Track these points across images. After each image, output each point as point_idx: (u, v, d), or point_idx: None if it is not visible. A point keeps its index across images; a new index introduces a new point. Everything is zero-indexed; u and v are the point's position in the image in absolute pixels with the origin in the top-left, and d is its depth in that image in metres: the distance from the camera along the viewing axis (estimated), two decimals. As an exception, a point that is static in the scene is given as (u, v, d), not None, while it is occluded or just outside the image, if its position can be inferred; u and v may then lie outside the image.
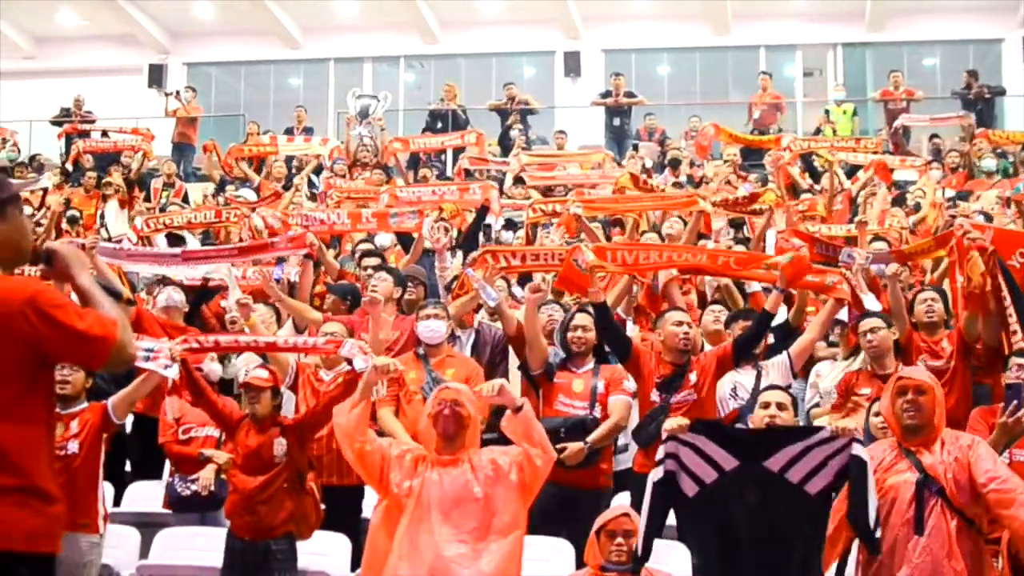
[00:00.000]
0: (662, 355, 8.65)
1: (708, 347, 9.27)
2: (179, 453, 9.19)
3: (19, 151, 23.16)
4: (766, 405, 6.87)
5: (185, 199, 19.05)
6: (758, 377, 8.71)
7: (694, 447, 6.33)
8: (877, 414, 7.26)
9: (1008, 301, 8.35)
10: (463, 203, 13.45)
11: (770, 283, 9.12)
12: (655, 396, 8.45)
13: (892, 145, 19.74)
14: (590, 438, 8.39)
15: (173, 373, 7.74)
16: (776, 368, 8.76)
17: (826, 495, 6.26)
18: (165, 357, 7.66)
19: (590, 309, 8.86)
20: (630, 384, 8.67)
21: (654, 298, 10.56)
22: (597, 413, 8.56)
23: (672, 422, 6.45)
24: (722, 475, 6.31)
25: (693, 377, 8.44)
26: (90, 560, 7.50)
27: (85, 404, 7.88)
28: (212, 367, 9.35)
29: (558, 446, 7.85)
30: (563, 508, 8.31)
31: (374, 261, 11.11)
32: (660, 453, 6.37)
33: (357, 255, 12.26)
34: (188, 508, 9.10)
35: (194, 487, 8.98)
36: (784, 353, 8.80)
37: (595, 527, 6.75)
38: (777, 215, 11.97)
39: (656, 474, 6.34)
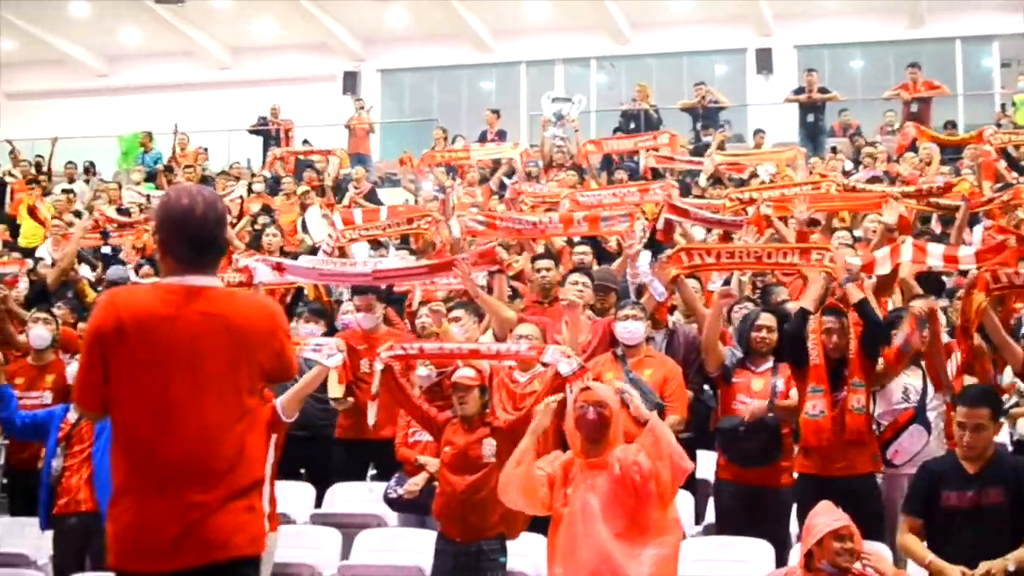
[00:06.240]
0: None
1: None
2: (403, 457, 9.36)
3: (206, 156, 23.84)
4: (962, 425, 6.83)
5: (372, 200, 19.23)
6: (925, 377, 8.61)
7: None
8: None
9: None
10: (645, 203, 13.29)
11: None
12: None
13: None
14: None
15: (335, 362, 7.96)
16: None
17: None
18: (329, 348, 7.95)
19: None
20: None
21: None
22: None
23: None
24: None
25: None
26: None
27: None
28: (421, 373, 9.43)
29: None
30: (747, 507, 8.39)
31: (548, 263, 10.93)
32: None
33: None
34: (398, 509, 9.33)
35: (400, 490, 9.11)
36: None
37: (821, 530, 6.58)
38: (885, 209, 11.53)
39: None
